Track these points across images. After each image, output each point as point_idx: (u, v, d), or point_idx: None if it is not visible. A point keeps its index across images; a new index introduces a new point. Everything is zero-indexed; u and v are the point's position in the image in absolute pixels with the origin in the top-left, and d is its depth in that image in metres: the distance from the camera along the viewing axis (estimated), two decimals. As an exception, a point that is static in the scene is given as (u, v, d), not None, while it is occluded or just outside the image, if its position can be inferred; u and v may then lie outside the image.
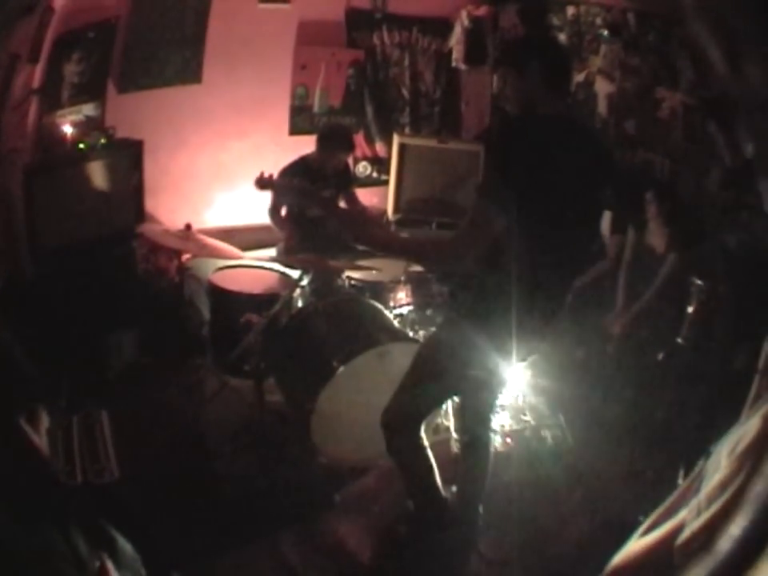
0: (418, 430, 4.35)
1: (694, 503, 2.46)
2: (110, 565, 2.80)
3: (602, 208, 4.16)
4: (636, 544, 2.74)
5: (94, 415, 4.68)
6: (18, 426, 2.99)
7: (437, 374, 4.04)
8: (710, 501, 2.35)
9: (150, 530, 3.84)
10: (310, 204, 4.91)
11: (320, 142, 6.65)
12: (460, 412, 4.79)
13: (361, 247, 4.58)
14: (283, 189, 5.54)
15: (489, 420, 4.68)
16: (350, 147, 6.80)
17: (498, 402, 5.21)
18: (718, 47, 1.93)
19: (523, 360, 4.47)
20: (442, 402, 4.82)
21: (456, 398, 4.89)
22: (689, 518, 2.44)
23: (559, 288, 3.96)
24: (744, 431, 2.42)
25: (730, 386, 2.91)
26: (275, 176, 6.25)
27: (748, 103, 2.03)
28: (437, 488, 4.48)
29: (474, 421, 4.56)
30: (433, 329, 5.74)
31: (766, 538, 2.06)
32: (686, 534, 2.39)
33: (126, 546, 3.13)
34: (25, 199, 5.92)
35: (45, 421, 4.10)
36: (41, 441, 3.41)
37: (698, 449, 2.86)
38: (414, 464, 4.44)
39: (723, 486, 2.32)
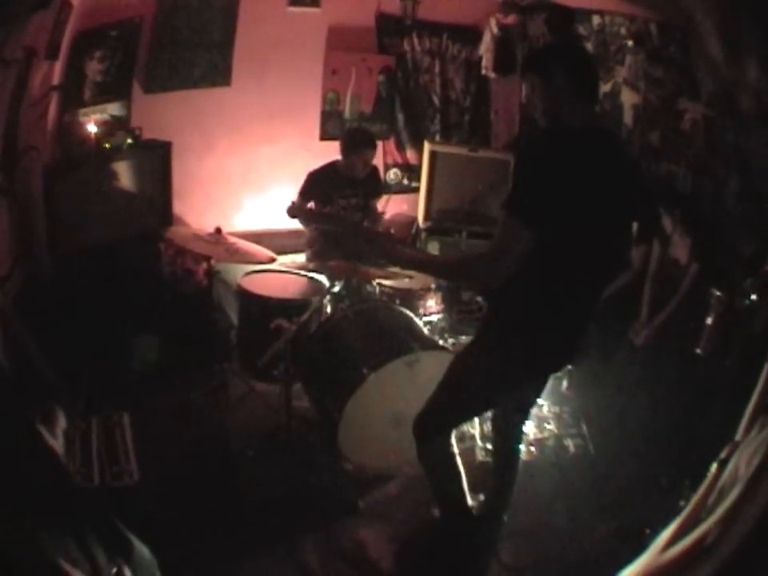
0: (449, 438, 4.33)
1: (720, 512, 2.46)
2: (127, 572, 2.81)
3: (632, 218, 4.10)
4: (657, 558, 2.73)
5: (115, 417, 4.67)
6: (34, 428, 3.00)
7: (469, 387, 4.01)
8: (733, 512, 2.35)
9: (169, 535, 3.85)
10: (339, 228, 4.89)
11: (342, 145, 6.64)
12: (492, 420, 4.75)
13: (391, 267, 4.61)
14: (313, 216, 5.53)
15: (521, 433, 4.67)
16: (372, 145, 6.73)
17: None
18: (719, 43, 1.95)
19: (556, 371, 4.45)
20: (474, 415, 4.79)
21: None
22: (715, 529, 2.43)
23: (591, 300, 3.93)
24: (762, 441, 2.42)
25: (746, 397, 2.89)
26: (304, 179, 6.30)
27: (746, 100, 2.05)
28: (464, 496, 4.45)
29: (508, 433, 4.56)
30: (463, 337, 5.75)
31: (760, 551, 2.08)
32: (709, 544, 2.40)
33: (143, 549, 3.14)
34: (45, 198, 5.91)
35: (62, 422, 4.10)
36: (57, 442, 3.41)
37: (706, 459, 2.86)
38: (443, 472, 4.41)
39: (742, 498, 2.33)
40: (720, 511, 2.45)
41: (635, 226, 5.93)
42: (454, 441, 4.39)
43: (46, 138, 6.18)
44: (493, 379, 3.90)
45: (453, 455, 4.39)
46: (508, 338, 3.79)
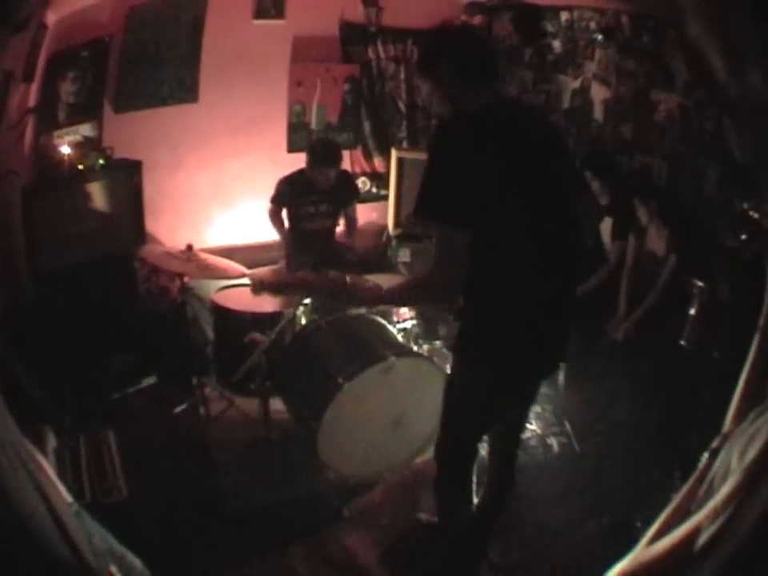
0: (470, 463, 4.21)
1: (710, 505, 2.45)
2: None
3: (571, 193, 3.94)
4: (648, 550, 2.72)
5: (101, 434, 4.68)
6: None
7: (468, 409, 3.90)
8: (726, 506, 2.35)
9: (159, 547, 3.85)
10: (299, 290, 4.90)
11: (307, 158, 6.63)
12: (492, 433, 4.67)
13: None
14: (284, 287, 5.49)
15: (520, 439, 4.58)
16: (334, 163, 6.67)
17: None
18: (717, 48, 1.93)
19: (548, 371, 4.33)
20: (485, 431, 4.69)
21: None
22: (705, 522, 2.43)
23: (560, 291, 3.76)
24: (753, 432, 2.41)
25: (732, 388, 2.88)
26: (275, 186, 6.31)
27: (749, 104, 2.03)
28: (466, 515, 4.34)
29: (506, 441, 4.44)
30: (437, 342, 5.75)
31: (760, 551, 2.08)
32: (704, 539, 2.39)
33: (135, 561, 3.14)
34: (24, 221, 5.94)
35: (51, 440, 4.10)
36: (48, 460, 3.40)
37: (697, 450, 2.87)
38: (457, 499, 4.31)
39: (736, 492, 2.32)
40: (711, 504, 2.45)
41: (611, 222, 5.96)
42: (474, 471, 4.29)
43: (24, 160, 6.19)
44: (485, 393, 3.76)
45: (470, 480, 4.28)
46: (485, 344, 3.66)
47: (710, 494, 2.48)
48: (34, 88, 6.13)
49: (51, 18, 5.96)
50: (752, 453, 2.30)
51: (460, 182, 3.24)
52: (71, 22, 6.37)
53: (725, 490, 2.37)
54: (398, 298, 4.08)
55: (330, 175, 6.64)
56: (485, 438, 4.49)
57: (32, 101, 6.14)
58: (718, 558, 2.20)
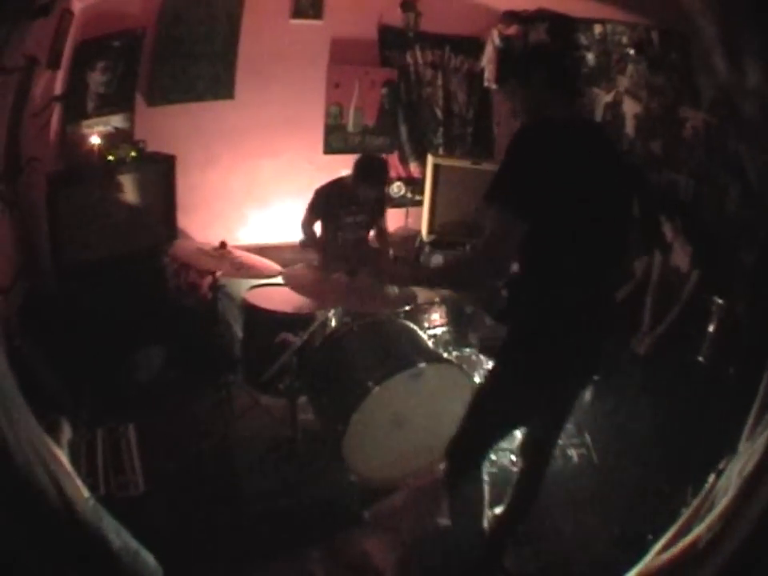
0: (481, 463, 4.28)
1: (708, 521, 2.47)
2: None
3: (628, 212, 4.01)
4: (654, 561, 2.75)
5: (121, 428, 4.69)
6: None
7: (497, 410, 3.95)
8: (721, 519, 2.37)
9: (173, 546, 3.86)
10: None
11: (356, 173, 6.46)
12: (524, 439, 4.67)
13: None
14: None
15: (550, 454, 4.59)
16: (383, 183, 6.69)
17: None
18: (720, 48, 1.94)
19: (581, 384, 4.44)
20: (504, 435, 4.72)
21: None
22: (703, 534, 2.45)
23: (599, 305, 3.81)
24: (753, 451, 2.43)
25: (746, 406, 2.90)
26: (311, 195, 6.29)
27: (749, 106, 2.04)
28: (480, 519, 4.41)
29: (537, 451, 4.44)
30: (467, 350, 5.74)
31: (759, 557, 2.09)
32: (699, 548, 2.41)
33: (148, 558, 3.14)
34: (48, 211, 5.90)
35: (67, 432, 4.11)
36: (62, 452, 3.41)
37: (709, 467, 2.87)
38: (468, 495, 4.34)
39: (732, 505, 2.34)
40: (710, 518, 2.47)
41: (636, 235, 5.95)
42: (484, 467, 4.34)
43: (49, 149, 6.17)
44: (515, 397, 3.82)
45: (481, 481, 4.32)
46: (524, 353, 3.73)
47: (710, 510, 2.50)
48: (61, 76, 6.11)
49: (78, 4, 5.94)
50: (750, 467, 2.32)
51: (532, 179, 3.36)
52: (100, 11, 6.36)
53: (723, 503, 2.39)
54: (440, 275, 4.10)
55: (376, 193, 6.62)
56: (515, 452, 4.52)
57: (58, 89, 6.12)
58: (718, 559, 2.22)
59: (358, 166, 6.50)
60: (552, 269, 3.53)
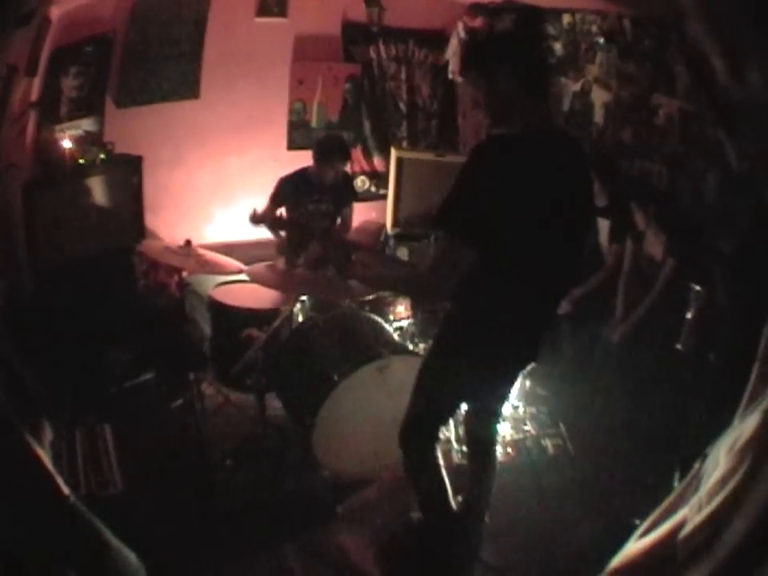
0: (434, 447, 4.31)
1: (695, 500, 2.49)
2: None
3: (589, 221, 4.03)
4: (636, 545, 2.76)
5: (97, 429, 4.71)
6: (23, 440, 3.02)
7: (439, 387, 3.99)
8: (711, 496, 2.38)
9: (153, 542, 3.86)
10: (305, 236, 4.88)
11: (316, 154, 6.59)
12: (467, 422, 4.74)
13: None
14: (276, 222, 5.54)
15: (495, 433, 4.66)
16: (345, 157, 6.72)
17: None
18: (718, 49, 1.94)
19: (520, 368, 4.44)
20: (450, 413, 4.76)
21: (463, 409, 4.85)
22: (690, 514, 2.46)
23: (549, 299, 3.92)
24: (743, 428, 2.45)
25: (727, 392, 2.91)
26: (275, 185, 6.30)
27: (749, 106, 2.04)
28: (448, 503, 4.43)
29: (481, 435, 4.52)
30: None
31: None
32: (688, 528, 2.42)
33: (130, 556, 3.16)
34: (25, 214, 5.93)
35: (48, 434, 4.13)
36: (45, 453, 3.43)
37: (695, 453, 2.88)
38: (428, 480, 4.38)
39: (724, 481, 2.35)
40: (696, 498, 2.49)
41: (609, 225, 5.97)
42: (438, 451, 4.37)
43: (25, 154, 6.19)
44: (456, 377, 3.86)
45: (438, 464, 4.36)
46: (466, 335, 3.78)
47: (696, 490, 2.52)
48: (37, 82, 6.12)
49: (55, 12, 5.96)
50: (740, 442, 2.34)
51: (484, 204, 3.29)
52: (75, 17, 6.37)
53: (711, 481, 2.41)
54: (389, 284, 4.11)
55: (339, 170, 6.67)
56: (455, 443, 4.85)
57: (34, 95, 6.14)
58: (712, 557, 2.24)
59: (317, 145, 6.64)
60: (501, 277, 3.53)
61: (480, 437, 4.54)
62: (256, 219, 5.27)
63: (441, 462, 4.38)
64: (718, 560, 2.21)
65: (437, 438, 4.33)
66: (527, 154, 3.40)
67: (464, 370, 3.81)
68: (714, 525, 2.29)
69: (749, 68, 1.89)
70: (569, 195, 3.56)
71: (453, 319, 3.89)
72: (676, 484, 3.91)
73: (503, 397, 4.51)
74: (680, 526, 2.50)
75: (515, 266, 3.48)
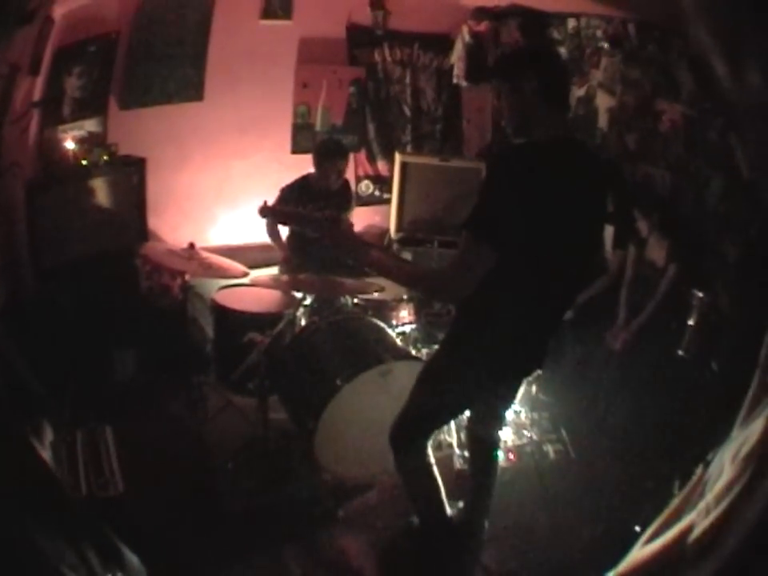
0: (425, 447, 4.33)
1: (702, 505, 2.48)
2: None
3: (602, 228, 4.06)
4: (642, 551, 2.75)
5: (98, 430, 4.71)
6: (27, 439, 3.02)
7: (441, 391, 3.98)
8: (718, 501, 2.37)
9: (154, 545, 3.86)
10: (311, 228, 4.85)
11: (315, 157, 6.67)
12: (468, 428, 4.76)
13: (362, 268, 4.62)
14: (285, 216, 5.56)
15: (497, 436, 4.65)
16: (344, 155, 6.78)
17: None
18: (718, 51, 1.94)
19: (525, 376, 4.41)
20: (445, 421, 4.78)
21: (465, 414, 4.86)
22: (698, 519, 2.46)
23: (558, 306, 3.92)
24: (747, 434, 2.44)
25: (730, 398, 2.91)
26: (277, 194, 6.31)
27: (752, 111, 2.04)
28: (442, 505, 4.45)
29: (483, 440, 4.54)
30: (436, 347, 5.75)
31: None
32: (696, 533, 2.42)
33: (132, 558, 3.16)
34: (27, 215, 5.94)
35: (49, 434, 4.13)
36: (46, 453, 3.44)
37: (696, 460, 2.88)
38: (421, 482, 4.42)
39: (730, 486, 2.35)
40: (703, 503, 2.49)
41: (612, 230, 5.96)
42: (430, 451, 4.39)
43: (28, 154, 6.17)
44: (460, 383, 3.86)
45: (430, 465, 4.37)
46: (473, 341, 3.77)
47: (702, 495, 2.52)
48: (40, 82, 6.10)
49: (58, 11, 5.94)
50: (745, 450, 2.33)
51: (509, 212, 3.33)
52: (78, 17, 6.35)
53: (718, 486, 2.40)
54: (404, 277, 4.08)
55: (341, 169, 6.71)
56: (457, 449, 4.93)
57: (37, 94, 6.12)
58: (716, 557, 2.24)
59: (315, 149, 6.75)
60: (514, 283, 3.53)
61: (482, 442, 4.55)
62: (264, 212, 5.26)
63: (433, 462, 4.40)
64: (718, 564, 2.21)
65: (427, 440, 4.35)
66: (552, 162, 3.46)
67: (469, 374, 3.81)
68: (720, 529, 2.29)
69: (749, 69, 1.89)
70: (587, 204, 3.62)
71: (461, 323, 3.90)
72: (676, 490, 3.92)
73: (507, 402, 4.52)
74: (687, 530, 2.50)
75: (529, 273, 3.50)
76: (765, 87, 1.86)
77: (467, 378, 3.84)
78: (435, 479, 4.40)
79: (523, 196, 3.33)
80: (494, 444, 4.64)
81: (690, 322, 5.35)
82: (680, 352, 5.36)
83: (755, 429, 2.40)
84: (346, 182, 7.25)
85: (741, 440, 2.48)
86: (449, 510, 4.51)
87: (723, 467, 2.50)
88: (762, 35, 1.83)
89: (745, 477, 2.28)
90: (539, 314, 3.73)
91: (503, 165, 3.50)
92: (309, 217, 5.17)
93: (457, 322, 3.91)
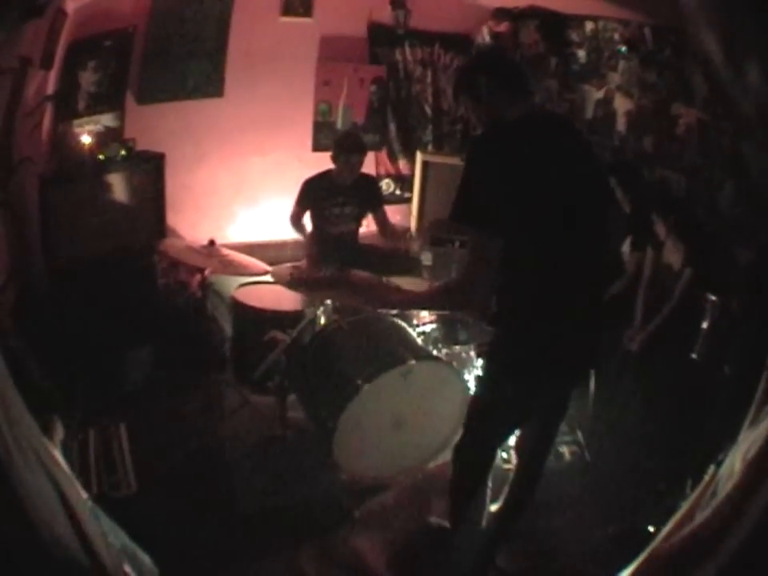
0: (487, 472, 4.37)
1: (713, 504, 2.48)
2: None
3: (602, 201, 3.97)
4: (656, 550, 2.74)
5: (112, 428, 4.69)
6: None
7: (493, 411, 3.93)
8: (729, 500, 2.37)
9: (168, 544, 3.85)
10: (335, 286, 4.90)
11: (334, 150, 6.61)
12: (520, 437, 4.63)
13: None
14: (312, 286, 5.49)
15: (546, 455, 4.56)
16: (359, 150, 6.67)
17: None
18: (718, 47, 1.93)
19: (576, 380, 4.40)
20: (506, 436, 4.70)
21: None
22: (710, 520, 2.45)
23: (590, 301, 3.80)
24: (756, 435, 2.43)
25: (741, 402, 2.90)
26: (299, 187, 6.31)
27: (751, 108, 2.03)
28: (480, 520, 4.52)
29: (533, 449, 4.43)
30: (457, 348, 5.72)
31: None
32: (707, 531, 2.41)
33: (145, 558, 3.14)
34: (40, 210, 5.87)
35: (60, 432, 4.11)
36: (56, 452, 3.42)
37: (708, 461, 2.87)
38: (469, 503, 4.43)
39: (738, 488, 2.34)
40: (714, 503, 2.48)
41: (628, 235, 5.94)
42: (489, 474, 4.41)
43: (41, 148, 6.15)
44: (511, 394, 3.76)
45: (486, 486, 4.46)
46: (511, 351, 3.72)
47: (713, 496, 2.51)
48: (53, 75, 6.10)
49: (71, 5, 5.92)
50: (753, 451, 2.32)
51: (494, 190, 3.40)
52: (93, 11, 6.34)
53: (728, 487, 2.39)
54: (428, 302, 4.09)
55: (355, 164, 6.65)
56: (513, 453, 4.70)
57: (50, 88, 6.11)
58: (723, 554, 2.22)
59: (335, 142, 6.70)
60: (535, 274, 3.51)
61: (533, 455, 4.46)
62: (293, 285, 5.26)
63: (489, 484, 4.43)
64: (721, 563, 2.21)
65: (493, 459, 4.34)
66: (523, 131, 3.59)
67: (518, 389, 3.74)
68: (727, 527, 2.29)
69: (750, 69, 1.88)
70: (570, 160, 3.67)
71: (499, 338, 3.84)
72: (689, 491, 3.90)
73: (560, 410, 4.34)
74: (697, 532, 2.49)
75: (542, 253, 3.48)
76: (765, 87, 1.85)
77: (515, 393, 3.75)
78: (485, 500, 4.50)
79: (500, 168, 3.40)
80: (543, 460, 4.51)
81: (704, 326, 5.34)
82: (693, 355, 5.34)
83: (763, 430, 2.39)
84: (372, 179, 7.27)
85: (751, 440, 2.47)
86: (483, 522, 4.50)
87: (734, 467, 2.50)
88: (762, 35, 1.82)
89: (752, 476, 2.28)
90: (566, 300, 3.64)
91: (477, 147, 3.59)
92: (330, 279, 5.16)
93: (496, 329, 3.85)
